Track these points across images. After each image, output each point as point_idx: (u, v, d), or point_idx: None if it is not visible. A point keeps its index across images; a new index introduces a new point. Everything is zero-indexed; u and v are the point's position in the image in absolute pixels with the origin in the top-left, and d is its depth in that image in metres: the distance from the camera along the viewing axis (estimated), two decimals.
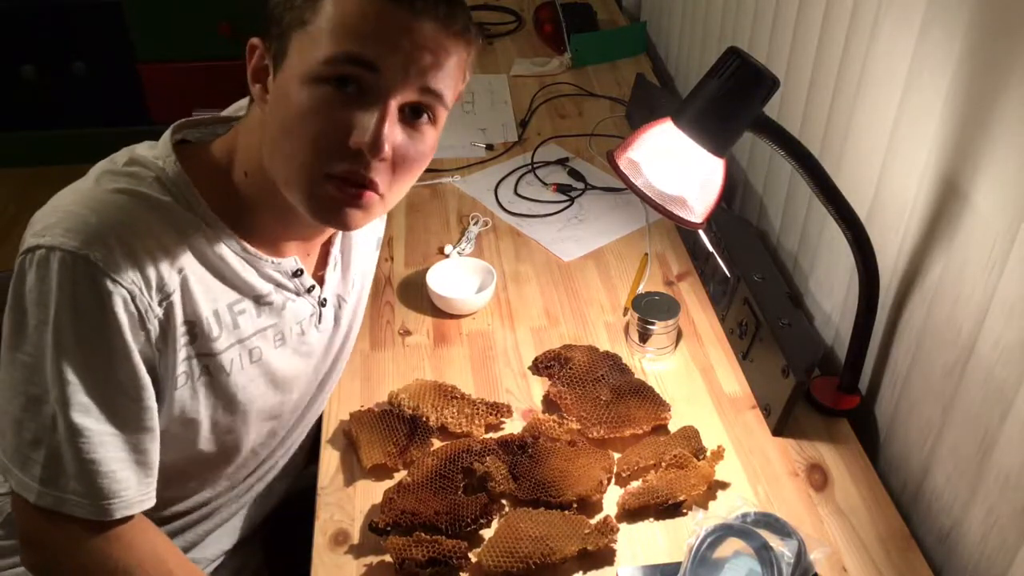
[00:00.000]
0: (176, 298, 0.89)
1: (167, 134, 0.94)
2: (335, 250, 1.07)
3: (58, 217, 0.85)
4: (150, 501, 0.92)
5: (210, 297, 0.93)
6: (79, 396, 0.85)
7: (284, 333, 1.03)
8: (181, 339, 0.91)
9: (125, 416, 0.88)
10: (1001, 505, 0.94)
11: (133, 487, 0.90)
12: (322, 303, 1.06)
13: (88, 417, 0.86)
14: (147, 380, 0.89)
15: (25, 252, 0.85)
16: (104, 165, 0.92)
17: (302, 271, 1.01)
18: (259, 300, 0.98)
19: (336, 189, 0.87)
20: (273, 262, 0.97)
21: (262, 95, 0.88)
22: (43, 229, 0.85)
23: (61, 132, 3.10)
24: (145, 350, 0.88)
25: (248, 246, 0.94)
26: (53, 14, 2.88)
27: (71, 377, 0.84)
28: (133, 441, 0.89)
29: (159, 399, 0.92)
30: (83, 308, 0.84)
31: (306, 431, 1.19)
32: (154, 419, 0.91)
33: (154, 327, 0.88)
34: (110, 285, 0.83)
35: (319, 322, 1.07)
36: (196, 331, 0.92)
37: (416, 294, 1.41)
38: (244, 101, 0.99)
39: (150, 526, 0.96)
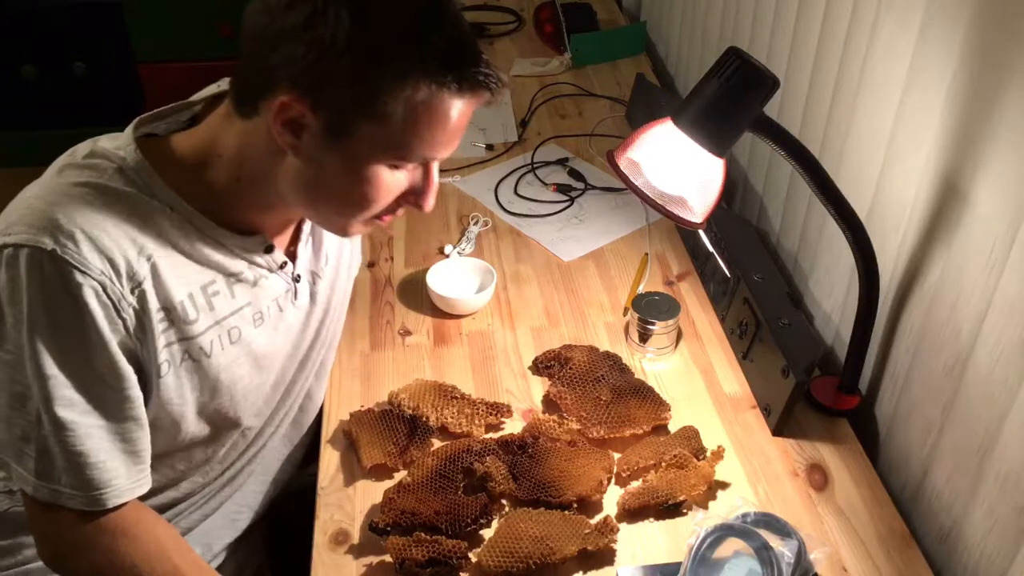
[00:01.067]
0: (148, 285, 0.89)
1: (130, 127, 0.94)
2: (306, 226, 1.07)
3: (21, 214, 0.86)
4: (142, 488, 0.94)
5: (182, 281, 0.93)
6: (61, 390, 0.86)
7: (262, 311, 1.03)
8: (159, 326, 0.91)
9: (108, 407, 0.89)
10: (1001, 505, 0.94)
11: (123, 475, 0.91)
12: (296, 279, 1.06)
13: (72, 410, 0.87)
14: (128, 370, 0.90)
15: None
16: (64, 159, 0.92)
17: (272, 247, 1.01)
18: (232, 278, 0.98)
19: (370, 225, 0.97)
20: (242, 240, 0.97)
21: (296, 146, 0.87)
22: (7, 227, 0.85)
23: (61, 132, 3.08)
24: (125, 340, 0.89)
25: (215, 226, 0.94)
26: (53, 14, 2.88)
27: (51, 372, 0.85)
28: (119, 431, 0.90)
29: (145, 388, 0.93)
30: (55, 303, 0.85)
31: (293, 410, 1.18)
32: (138, 408, 0.92)
33: (129, 316, 0.89)
34: (79, 278, 0.84)
35: (295, 298, 1.07)
36: (172, 316, 0.93)
37: (416, 294, 1.41)
38: (213, 88, 0.99)
39: (155, 519, 0.97)
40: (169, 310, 0.92)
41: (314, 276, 1.10)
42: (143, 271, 0.89)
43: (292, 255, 1.05)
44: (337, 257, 1.14)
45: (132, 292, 0.88)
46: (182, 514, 1.11)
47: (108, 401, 0.89)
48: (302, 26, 0.81)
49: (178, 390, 0.96)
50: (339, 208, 0.93)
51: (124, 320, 0.88)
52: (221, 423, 1.04)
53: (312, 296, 1.10)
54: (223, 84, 0.97)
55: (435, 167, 0.93)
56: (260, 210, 0.96)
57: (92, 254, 0.85)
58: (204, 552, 1.14)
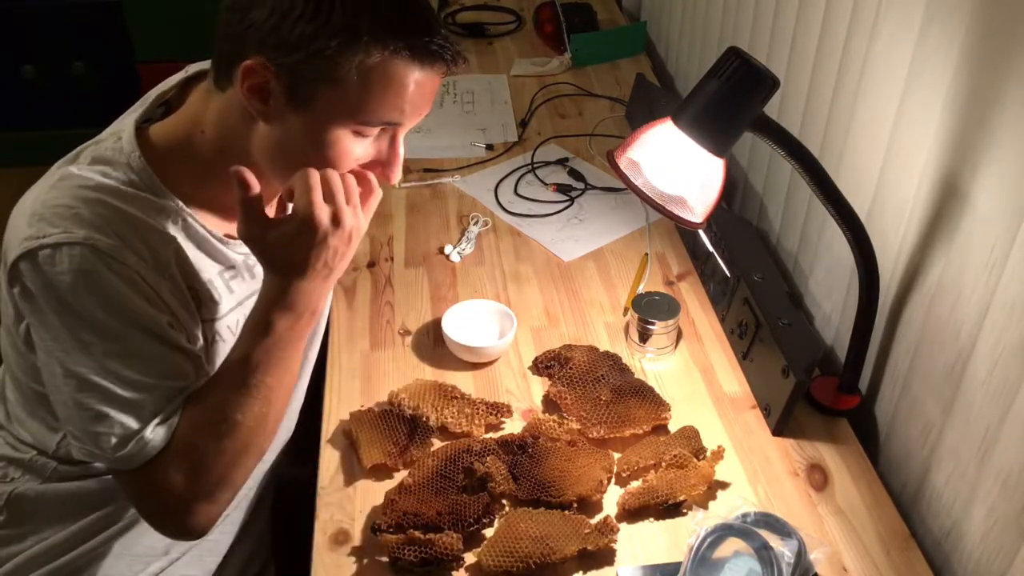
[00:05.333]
0: (175, 271, 0.94)
1: (131, 130, 0.95)
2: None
3: (52, 219, 0.87)
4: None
5: (203, 266, 0.98)
6: (111, 379, 0.88)
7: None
8: (191, 303, 0.96)
9: (155, 383, 0.91)
10: (1001, 505, 0.94)
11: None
12: None
13: (128, 389, 0.89)
14: (174, 354, 0.92)
15: (26, 254, 0.86)
16: (66, 165, 0.94)
17: None
18: (243, 264, 1.02)
19: None
20: (239, 244, 1.00)
21: (264, 112, 0.90)
22: (40, 231, 0.87)
23: (61, 132, 3.09)
24: (169, 327, 0.92)
25: (216, 232, 0.98)
26: (53, 14, 2.88)
27: (105, 364, 0.88)
28: (167, 393, 0.92)
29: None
30: (99, 291, 0.87)
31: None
32: (187, 375, 0.93)
33: (170, 301, 0.92)
34: (119, 268, 0.88)
35: None
36: (201, 297, 0.97)
37: (416, 294, 1.41)
38: (180, 75, 1.02)
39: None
40: (197, 291, 0.97)
41: None
42: (169, 259, 0.93)
43: None
44: None
45: (165, 278, 0.92)
46: None
47: (155, 375, 0.90)
48: None
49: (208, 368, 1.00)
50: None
51: (168, 305, 0.92)
52: None
53: None
54: (190, 70, 1.02)
55: (401, 138, 0.94)
56: None
57: (125, 247, 0.88)
58: (210, 548, 1.15)
